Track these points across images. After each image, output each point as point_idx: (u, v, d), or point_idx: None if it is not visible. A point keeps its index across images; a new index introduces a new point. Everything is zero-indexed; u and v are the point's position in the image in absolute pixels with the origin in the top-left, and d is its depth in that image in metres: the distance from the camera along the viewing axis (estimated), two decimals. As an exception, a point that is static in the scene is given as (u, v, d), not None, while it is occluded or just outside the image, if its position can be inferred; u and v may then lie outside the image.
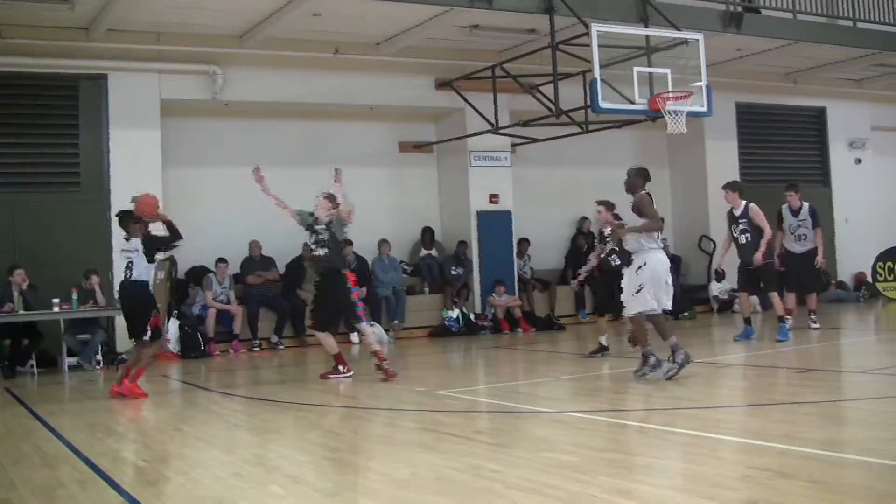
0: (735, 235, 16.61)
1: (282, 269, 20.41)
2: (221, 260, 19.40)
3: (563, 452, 8.14)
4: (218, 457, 8.92)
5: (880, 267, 25.40)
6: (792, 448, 7.73)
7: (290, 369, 17.00)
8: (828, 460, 7.43)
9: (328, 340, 13.90)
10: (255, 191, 20.20)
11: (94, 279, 17.64)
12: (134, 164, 18.85)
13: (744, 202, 16.52)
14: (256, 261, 20.06)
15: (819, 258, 17.53)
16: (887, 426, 8.84)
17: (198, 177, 20.32)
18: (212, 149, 20.72)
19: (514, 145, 22.32)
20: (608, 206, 14.52)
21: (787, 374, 12.70)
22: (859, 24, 23.90)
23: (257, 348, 19.35)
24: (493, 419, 10.67)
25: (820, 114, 28.01)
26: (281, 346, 19.55)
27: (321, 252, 13.87)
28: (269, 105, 20.65)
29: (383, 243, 21.28)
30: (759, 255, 16.02)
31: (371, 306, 20.49)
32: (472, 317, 21.48)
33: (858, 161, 28.10)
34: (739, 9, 21.45)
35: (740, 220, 16.50)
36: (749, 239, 16.34)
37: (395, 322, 20.83)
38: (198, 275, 19.85)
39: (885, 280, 25.21)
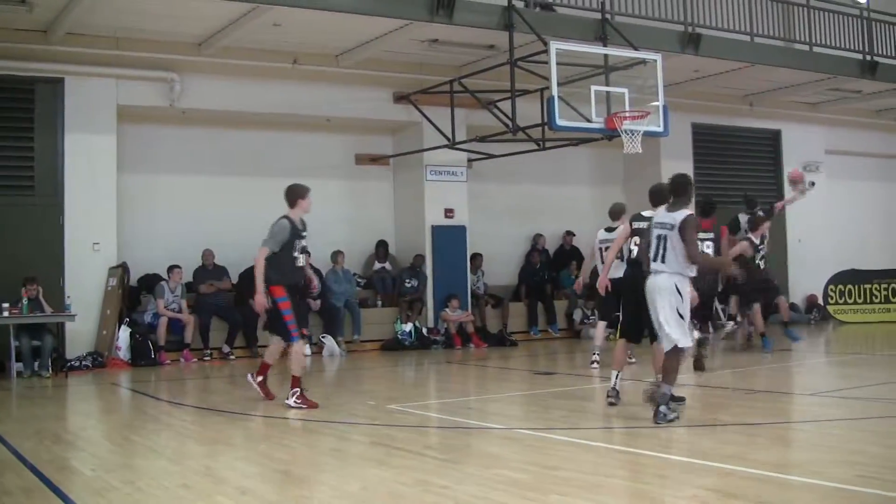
0: (757, 261, 17.76)
1: (235, 279, 20.28)
2: (174, 268, 19.27)
3: (513, 470, 8.15)
4: (166, 467, 8.86)
5: (832, 290, 25.60)
6: (740, 469, 7.78)
7: (241, 380, 16.88)
8: (775, 482, 7.47)
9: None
10: (209, 199, 20.28)
11: (33, 287, 17.30)
12: (88, 168, 18.73)
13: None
14: (209, 269, 19.95)
15: None
16: (834, 449, 8.92)
17: (152, 184, 20.23)
18: (168, 156, 20.61)
19: (470, 160, 22.35)
20: None
21: (736, 396, 12.76)
22: (815, 49, 24.17)
23: (208, 358, 19.24)
24: (444, 435, 10.67)
25: (775, 136, 28.23)
26: (232, 357, 19.41)
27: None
28: (227, 114, 20.57)
29: (338, 254, 21.20)
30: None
31: (326, 319, 20.46)
32: (424, 331, 21.46)
33: (812, 184, 28.26)
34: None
35: (760, 248, 17.84)
36: (765, 264, 18.08)
37: (356, 337, 20.82)
38: (150, 282, 19.72)
39: (837, 303, 25.40)
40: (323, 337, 20.18)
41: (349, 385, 16.19)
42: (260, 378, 12.80)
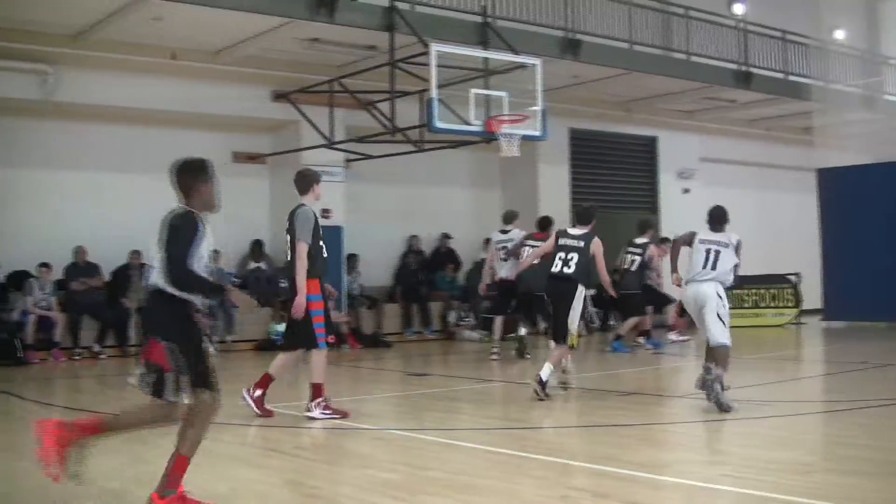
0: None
1: (107, 277, 19.94)
2: (44, 265, 18.86)
3: (385, 470, 8.13)
4: (28, 468, 8.62)
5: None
6: (611, 470, 7.86)
7: (111, 379, 16.63)
8: (645, 482, 7.56)
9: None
10: (82, 195, 19.87)
11: None
12: (-45, 162, 18.28)
13: None
14: (81, 267, 19.56)
15: None
16: (702, 449, 9.08)
17: (24, 178, 19.71)
18: (40, 150, 20.12)
19: (348, 161, 22.25)
20: None
21: (610, 397, 12.87)
22: (693, 58, 24.59)
23: (78, 357, 18.85)
24: (316, 435, 10.59)
25: (651, 143, 28.60)
26: (103, 356, 19.05)
27: None
28: (103, 108, 20.10)
29: (215, 253, 20.94)
30: None
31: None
32: (299, 331, 21.27)
33: (686, 191, 28.75)
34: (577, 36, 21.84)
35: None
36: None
37: (229, 337, 20.59)
38: (19, 279, 19.27)
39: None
40: (199, 336, 19.91)
41: (221, 385, 15.98)
42: (258, 392, 11.21)
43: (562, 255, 12.72)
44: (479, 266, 24.23)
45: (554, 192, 25.51)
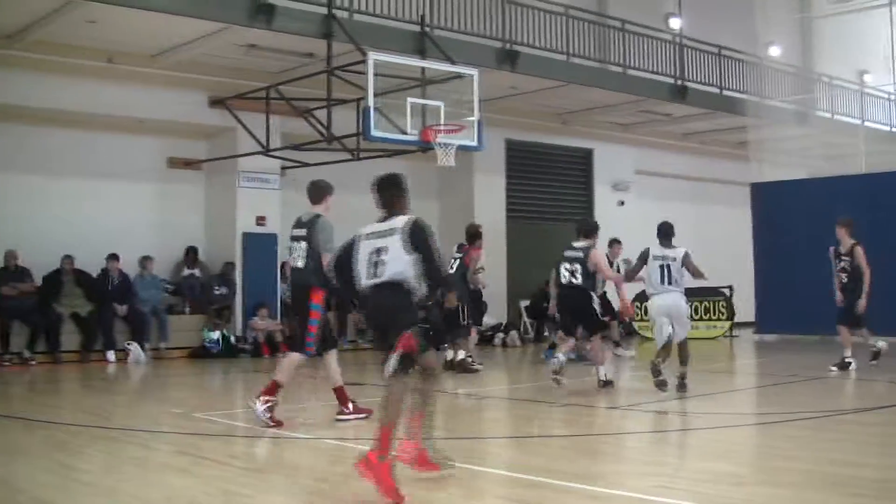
0: None
1: (39, 282, 19.69)
2: (-27, 269, 18.63)
3: (315, 479, 8.12)
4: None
5: (637, 307, 26.10)
6: (545, 480, 7.85)
7: (42, 386, 16.43)
8: (579, 493, 7.57)
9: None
10: (13, 199, 19.60)
11: None
12: None
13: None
14: (12, 271, 19.30)
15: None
16: (635, 460, 9.12)
17: (-47, 181, 19.50)
18: (-29, 153, 19.89)
19: (284, 168, 22.15)
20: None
21: (545, 408, 12.88)
22: (629, 72, 24.76)
23: (8, 363, 18.57)
24: (250, 444, 10.51)
25: (587, 155, 28.78)
26: (34, 362, 18.80)
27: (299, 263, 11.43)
28: (36, 111, 19.83)
29: (146, 260, 20.79)
30: None
31: (134, 325, 20.02)
32: (232, 339, 21.15)
33: (621, 203, 28.94)
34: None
35: None
36: None
37: (162, 344, 20.43)
38: (-53, 284, 19.03)
39: (642, 319, 25.89)
40: (128, 343, 19.73)
41: (154, 393, 15.87)
42: (346, 408, 11.70)
43: (567, 266, 14.39)
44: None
45: (490, 202, 25.60)
